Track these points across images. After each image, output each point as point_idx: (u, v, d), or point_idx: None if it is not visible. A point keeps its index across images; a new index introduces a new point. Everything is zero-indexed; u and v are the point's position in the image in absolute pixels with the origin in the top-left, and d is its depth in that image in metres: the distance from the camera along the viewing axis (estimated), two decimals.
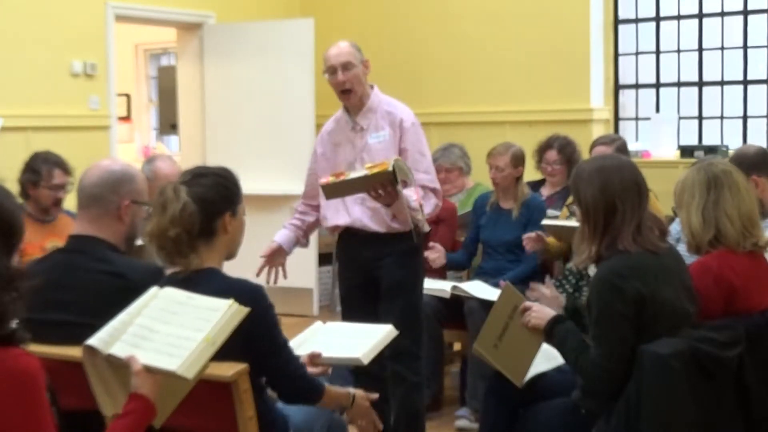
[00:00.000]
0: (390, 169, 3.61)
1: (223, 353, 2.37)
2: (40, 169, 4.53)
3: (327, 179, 3.77)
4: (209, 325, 2.30)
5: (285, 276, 4.09)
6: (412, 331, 3.91)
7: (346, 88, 3.92)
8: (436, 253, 5.05)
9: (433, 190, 3.98)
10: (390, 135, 3.93)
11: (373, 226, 3.92)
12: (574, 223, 3.65)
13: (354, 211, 3.95)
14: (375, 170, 3.64)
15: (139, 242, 3.08)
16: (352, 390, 2.94)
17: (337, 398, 2.89)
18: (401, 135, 3.93)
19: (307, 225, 4.18)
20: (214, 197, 2.67)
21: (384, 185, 3.67)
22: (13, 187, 4.27)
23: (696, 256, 3.26)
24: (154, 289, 2.48)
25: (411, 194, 3.76)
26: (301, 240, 4.18)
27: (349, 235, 4.03)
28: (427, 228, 4.01)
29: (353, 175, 3.72)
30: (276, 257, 4.08)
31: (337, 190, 3.78)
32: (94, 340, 2.34)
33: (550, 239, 4.83)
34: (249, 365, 2.54)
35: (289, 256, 4.15)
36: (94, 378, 2.36)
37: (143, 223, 2.88)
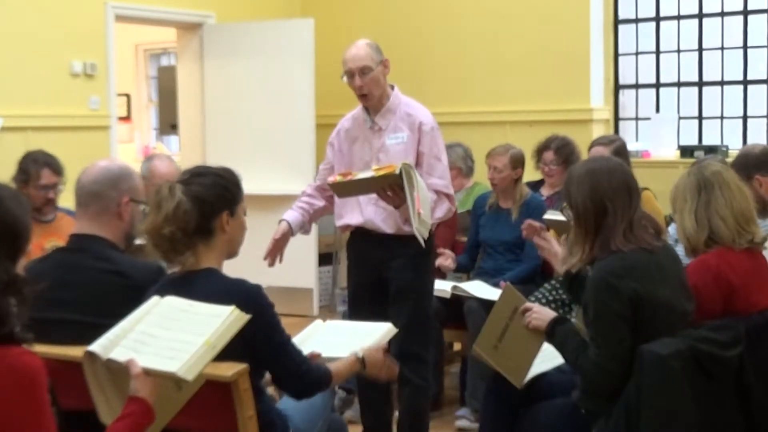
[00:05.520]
0: (397, 172, 3.61)
1: (226, 355, 2.38)
2: (29, 169, 4.53)
3: (335, 178, 3.78)
4: (210, 329, 2.31)
5: (281, 260, 3.97)
6: (421, 334, 3.91)
7: (364, 93, 3.90)
8: (447, 260, 5.05)
9: (447, 196, 3.96)
10: (408, 137, 3.91)
11: (385, 227, 3.92)
12: None
13: (367, 212, 3.94)
14: (381, 172, 3.64)
15: (139, 241, 3.08)
16: (359, 353, 2.94)
17: (348, 372, 2.92)
18: (419, 138, 3.91)
19: (314, 210, 4.09)
20: (211, 196, 2.67)
21: (392, 187, 3.68)
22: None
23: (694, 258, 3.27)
24: (155, 298, 2.49)
25: (416, 202, 3.74)
26: (306, 225, 4.08)
27: (360, 234, 4.02)
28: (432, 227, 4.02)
29: (360, 175, 3.72)
30: (284, 240, 3.97)
31: (346, 189, 3.79)
32: (94, 346, 2.35)
33: (552, 233, 4.82)
34: (252, 366, 2.54)
35: (289, 257, 4.13)
36: (94, 385, 2.37)
37: (140, 221, 2.89)
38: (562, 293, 4.46)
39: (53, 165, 4.58)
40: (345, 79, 3.92)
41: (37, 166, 4.54)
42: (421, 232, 3.71)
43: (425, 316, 3.98)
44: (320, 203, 4.10)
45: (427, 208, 3.74)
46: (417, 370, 3.95)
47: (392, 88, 4.00)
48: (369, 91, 3.89)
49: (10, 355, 1.91)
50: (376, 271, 3.96)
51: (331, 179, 3.81)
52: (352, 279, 4.13)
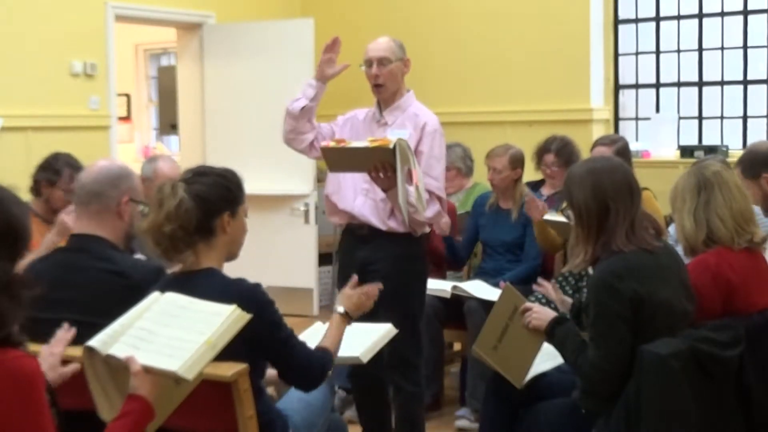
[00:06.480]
0: (391, 147, 3.60)
1: (229, 354, 2.38)
2: (62, 171, 4.44)
3: (328, 143, 3.78)
4: (211, 328, 2.30)
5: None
6: (410, 340, 3.87)
7: (379, 83, 3.93)
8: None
9: (439, 198, 3.96)
10: (411, 136, 3.91)
11: (373, 219, 3.91)
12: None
13: (357, 201, 3.95)
14: (376, 143, 3.65)
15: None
16: (338, 309, 2.99)
17: (341, 334, 2.94)
18: (421, 137, 3.92)
19: (314, 113, 4.12)
20: (213, 196, 2.67)
21: (384, 167, 3.67)
22: (24, 183, 4.24)
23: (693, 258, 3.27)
24: (155, 294, 2.49)
25: (410, 188, 3.74)
26: (313, 105, 4.12)
27: (349, 233, 4.02)
28: (427, 229, 4.01)
29: (355, 144, 3.72)
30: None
31: (338, 157, 3.76)
32: (93, 341, 2.35)
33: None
34: (255, 365, 2.55)
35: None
36: (93, 381, 2.36)
37: (139, 221, 2.90)
38: (562, 293, 4.45)
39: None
40: (363, 68, 3.97)
41: (70, 169, 4.46)
42: (414, 205, 3.70)
43: (414, 321, 3.94)
44: (312, 123, 4.09)
45: (421, 184, 3.75)
46: (408, 376, 3.93)
47: (408, 91, 4.03)
48: (384, 81, 3.92)
49: (8, 358, 1.91)
50: (364, 273, 3.94)
51: (324, 143, 3.80)
52: (343, 282, 4.11)
